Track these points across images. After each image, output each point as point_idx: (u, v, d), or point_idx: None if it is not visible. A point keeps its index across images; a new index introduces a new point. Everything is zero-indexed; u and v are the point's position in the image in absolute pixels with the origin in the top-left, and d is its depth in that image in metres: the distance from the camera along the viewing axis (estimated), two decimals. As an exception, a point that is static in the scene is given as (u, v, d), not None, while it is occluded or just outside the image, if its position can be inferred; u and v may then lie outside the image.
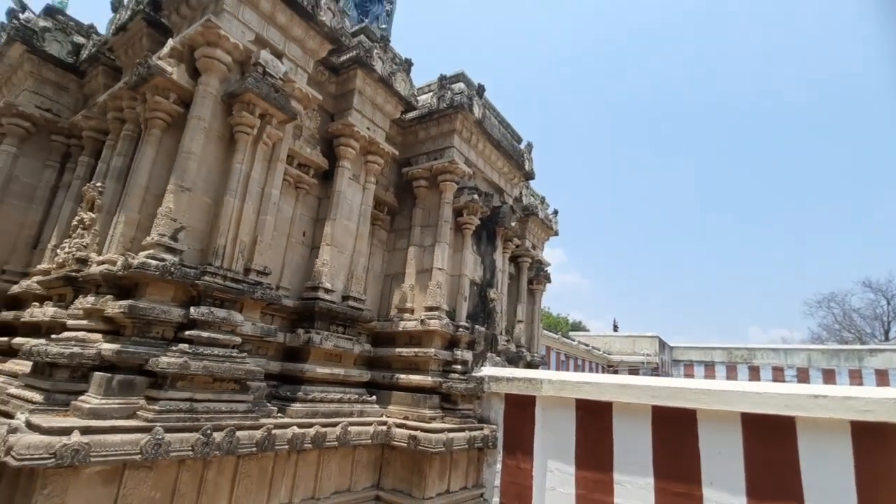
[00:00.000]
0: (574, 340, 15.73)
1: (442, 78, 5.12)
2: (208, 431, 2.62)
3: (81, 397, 2.55)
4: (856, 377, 15.79)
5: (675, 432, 3.75)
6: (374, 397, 4.20)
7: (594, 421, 4.10)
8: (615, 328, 26.48)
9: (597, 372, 16.11)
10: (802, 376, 16.77)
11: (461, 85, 5.05)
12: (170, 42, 3.44)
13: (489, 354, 4.96)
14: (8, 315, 4.12)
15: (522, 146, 6.24)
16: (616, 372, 17.12)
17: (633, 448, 3.87)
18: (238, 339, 3.11)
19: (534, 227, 7.78)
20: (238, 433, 2.76)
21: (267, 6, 3.62)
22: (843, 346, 18.74)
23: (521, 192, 7.14)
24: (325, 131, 4.45)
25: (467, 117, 4.98)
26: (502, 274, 5.67)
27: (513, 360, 6.89)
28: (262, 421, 3.00)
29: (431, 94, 5.13)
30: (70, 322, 3.00)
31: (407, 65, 4.90)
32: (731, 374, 17.75)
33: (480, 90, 5.21)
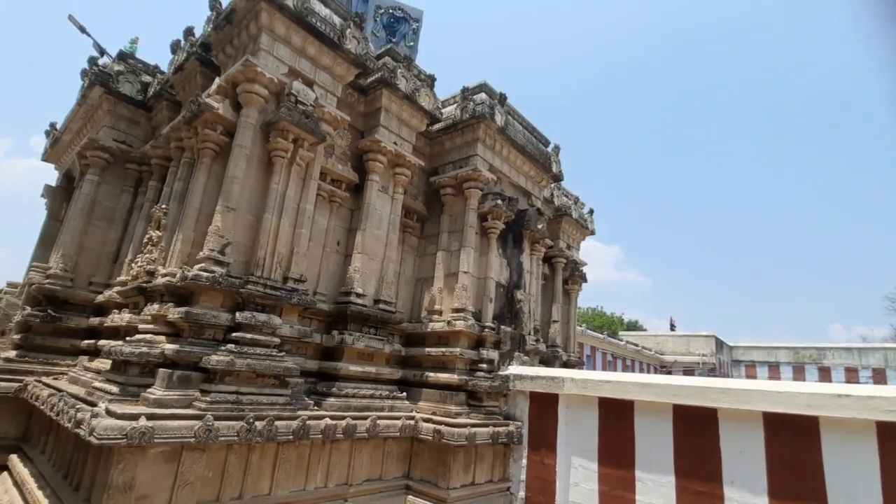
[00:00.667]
0: (622, 340, 15.37)
1: (464, 90, 5.36)
2: (251, 420, 3.03)
3: (149, 389, 3.03)
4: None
5: (696, 431, 3.77)
6: (404, 394, 4.51)
7: (616, 419, 4.18)
8: (672, 327, 25.45)
9: (648, 373, 15.63)
10: (879, 377, 15.38)
11: (483, 95, 5.27)
12: (217, 80, 3.93)
13: (516, 354, 5.14)
14: (94, 321, 4.82)
15: (550, 148, 6.35)
16: (669, 373, 16.51)
17: (654, 446, 3.92)
18: (277, 340, 3.52)
19: (568, 228, 7.82)
20: (277, 423, 3.16)
21: (298, 41, 4.03)
22: None
23: (552, 194, 7.23)
24: (355, 148, 4.83)
25: (489, 126, 5.19)
26: (530, 275, 5.81)
27: (548, 360, 7.01)
28: (299, 413, 3.38)
29: (455, 105, 5.39)
30: (141, 326, 3.53)
31: (430, 80, 5.18)
32: (798, 375, 16.60)
33: (502, 99, 5.40)
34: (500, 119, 5.24)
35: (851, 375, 15.75)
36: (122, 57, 5.54)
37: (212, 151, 3.81)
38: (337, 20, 4.29)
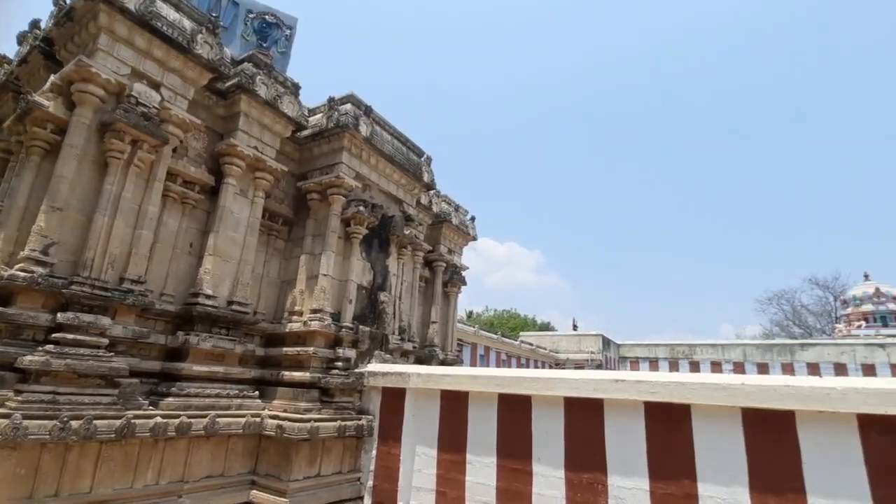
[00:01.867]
0: (517, 340, 16.35)
1: (331, 99, 5.59)
2: (65, 419, 3.03)
3: (-52, 394, 2.93)
4: (788, 370, 16.79)
5: (515, 415, 4.27)
6: (256, 392, 4.62)
7: (454, 408, 4.60)
8: (574, 327, 27.33)
9: (541, 370, 16.76)
10: (738, 370, 17.73)
11: (349, 106, 5.53)
12: (51, 78, 3.84)
13: (377, 352, 5.44)
14: None
15: (423, 159, 6.74)
16: (563, 369, 17.82)
17: (482, 431, 4.38)
18: (105, 341, 3.51)
19: (449, 233, 8.30)
20: (97, 422, 3.17)
21: (142, 43, 4.04)
22: (775, 341, 19.80)
23: (430, 201, 7.65)
24: (212, 150, 4.87)
25: (354, 135, 5.46)
26: (397, 278, 6.15)
27: (425, 359, 7.40)
28: (126, 412, 3.41)
29: (322, 114, 5.59)
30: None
31: (295, 88, 5.36)
32: (673, 368, 18.63)
33: (368, 110, 5.70)
34: (364, 129, 5.52)
35: (716, 368, 18.02)
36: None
37: (41, 150, 3.72)
38: (188, 24, 4.35)
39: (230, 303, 4.68)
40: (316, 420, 4.29)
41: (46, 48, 4.27)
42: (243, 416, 4.18)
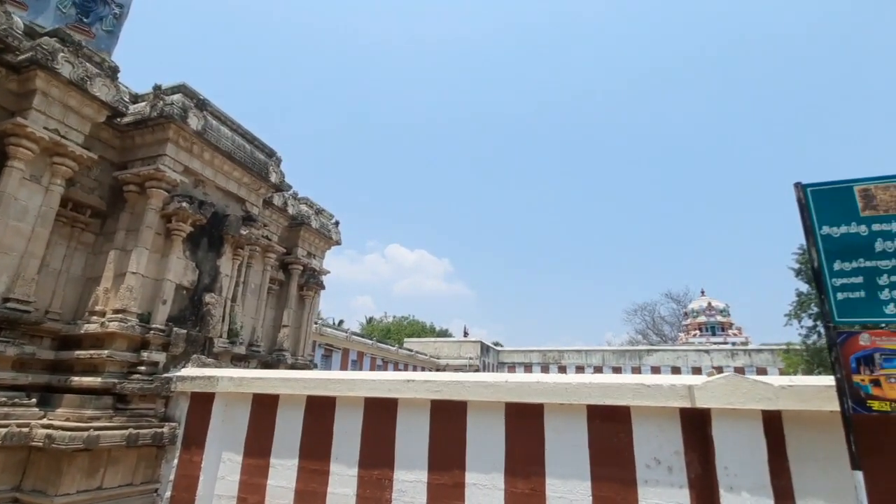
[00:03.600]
0: (395, 346, 16.55)
1: (157, 87, 5.28)
2: None
3: None
4: (636, 372, 18.94)
5: (320, 417, 4.32)
6: (33, 400, 4.17)
7: (264, 412, 4.54)
8: (465, 334, 28.30)
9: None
10: (597, 372, 19.62)
11: (178, 96, 5.26)
12: None
13: (196, 356, 5.18)
14: None
15: (273, 159, 6.61)
16: (443, 374, 18.39)
17: (289, 434, 4.37)
18: None
19: (308, 237, 8.19)
20: None
21: None
22: (627, 347, 22.29)
23: (285, 202, 7.50)
24: (-3, 130, 4.35)
25: (183, 127, 5.20)
26: (230, 279, 5.93)
27: (271, 364, 7.20)
28: None
29: (147, 103, 5.26)
30: None
31: (111, 70, 4.97)
32: (545, 372, 20.09)
33: (201, 103, 5.46)
34: (195, 122, 5.28)
35: (579, 371, 19.74)
36: None
37: None
38: (-39, -15, 3.86)
39: (7, 300, 4.18)
40: (98, 428, 3.97)
41: None
42: (6, 426, 3.75)
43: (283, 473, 4.27)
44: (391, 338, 27.74)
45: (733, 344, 22.77)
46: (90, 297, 4.97)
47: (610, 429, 3.45)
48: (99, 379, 4.34)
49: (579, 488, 3.39)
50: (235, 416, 4.58)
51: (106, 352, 4.42)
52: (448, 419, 3.89)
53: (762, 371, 17.76)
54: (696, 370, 17.98)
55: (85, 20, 5.37)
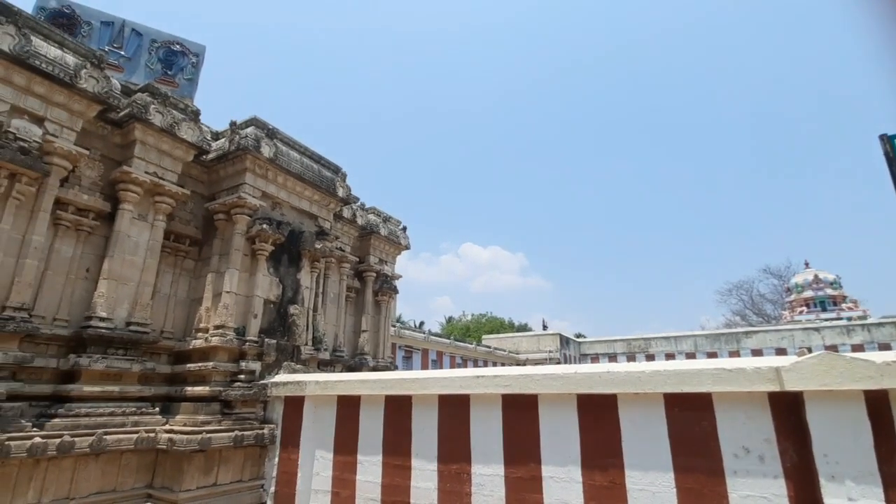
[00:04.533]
0: (473, 344, 16.67)
1: (233, 123, 5.84)
2: (-71, 446, 3.20)
3: None
4: (735, 357, 17.42)
5: (399, 415, 4.54)
6: (157, 409, 4.81)
7: (349, 412, 4.85)
8: (544, 327, 27.81)
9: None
10: (689, 360, 18.38)
11: (251, 129, 5.79)
12: (-75, 116, 4.01)
13: (286, 363, 5.65)
14: None
15: (339, 174, 7.02)
16: (524, 370, 18.25)
17: (371, 432, 4.63)
18: (-21, 368, 3.68)
19: (378, 244, 8.58)
20: (-35, 446, 3.34)
21: (21, 81, 4.24)
22: (722, 330, 20.55)
23: (354, 214, 7.92)
24: (109, 178, 5.07)
25: (257, 157, 5.71)
26: (310, 291, 6.39)
27: (355, 368, 7.64)
28: (3, 435, 3.58)
29: (226, 138, 5.83)
30: None
31: (194, 114, 5.59)
32: (631, 362, 19.24)
33: (271, 132, 5.96)
34: (267, 150, 5.78)
35: (670, 359, 18.58)
36: None
37: (-87, 187, 3.89)
38: (71, 60, 4.56)
39: (129, 324, 4.86)
40: (209, 431, 4.50)
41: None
42: (136, 432, 4.37)
43: (369, 469, 4.55)
44: (470, 336, 28.06)
45: (848, 319, 20.10)
46: (195, 316, 5.62)
47: (691, 417, 3.29)
48: (207, 388, 4.90)
49: (661, 480, 3.27)
50: (324, 417, 4.95)
51: (211, 363, 4.98)
52: (520, 413, 3.92)
53: (885, 347, 15.55)
54: (806, 351, 16.20)
55: (169, 73, 6.09)
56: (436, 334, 15.05)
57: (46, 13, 5.75)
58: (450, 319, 44.83)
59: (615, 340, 20.09)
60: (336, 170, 7.03)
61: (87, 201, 4.81)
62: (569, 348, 19.75)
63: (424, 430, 4.40)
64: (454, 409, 4.29)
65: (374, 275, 8.43)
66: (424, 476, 4.21)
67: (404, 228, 9.23)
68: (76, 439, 3.93)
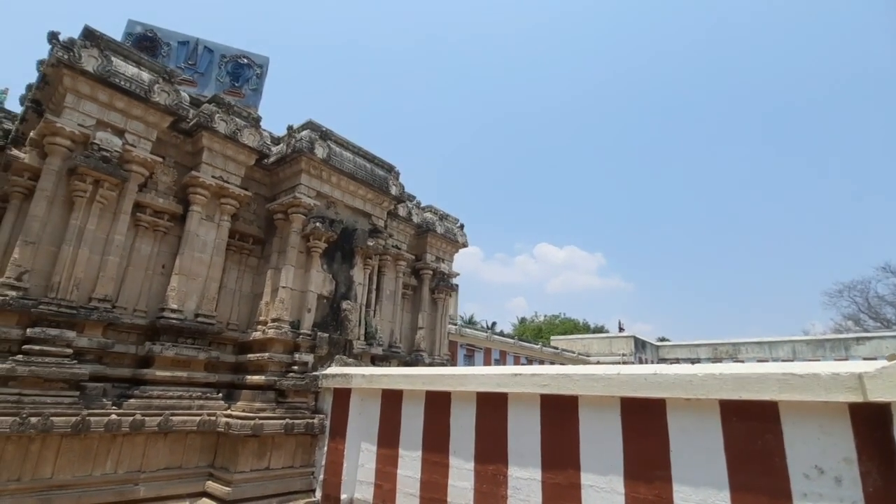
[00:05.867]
0: (538, 344, 16.14)
1: (289, 128, 6.14)
2: (25, 416, 3.68)
3: (-60, 395, 3.67)
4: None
5: (438, 411, 4.48)
6: (220, 394, 5.17)
7: (392, 407, 4.88)
8: (620, 329, 26.32)
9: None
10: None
11: (306, 132, 6.05)
12: (31, 134, 4.66)
13: (338, 356, 5.84)
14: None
15: (391, 173, 7.13)
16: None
17: (412, 427, 4.63)
18: (69, 351, 4.18)
19: (435, 242, 8.60)
20: (54, 418, 3.81)
21: (104, 97, 4.77)
22: (829, 336, 17.95)
23: (409, 212, 8.01)
24: (181, 183, 5.55)
25: (312, 158, 5.96)
26: (363, 287, 6.54)
27: (410, 364, 7.72)
28: (83, 411, 4.03)
29: (284, 143, 6.16)
30: (-49, 344, 4.17)
31: (255, 121, 5.96)
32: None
33: (325, 134, 6.19)
34: (321, 152, 6.01)
35: (766, 368, 16.68)
36: (-13, 108, 6.24)
37: (20, 194, 4.52)
38: (146, 76, 5.05)
39: (197, 315, 5.28)
40: (262, 418, 4.75)
41: (37, 107, 5.14)
42: (199, 415, 4.73)
43: (409, 464, 4.54)
44: (542, 337, 27.39)
45: None
46: (257, 310, 5.98)
47: (752, 429, 2.88)
48: (263, 377, 5.18)
49: (715, 498, 2.89)
50: (369, 410, 5.04)
51: (267, 354, 5.27)
52: (559, 415, 3.69)
53: None
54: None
55: (236, 84, 6.56)
56: (499, 333, 14.83)
57: (133, 38, 6.51)
58: (522, 320, 44.17)
59: (699, 345, 18.44)
60: (389, 168, 7.15)
61: (162, 204, 5.30)
62: (645, 352, 18.51)
63: (462, 428, 4.30)
64: (492, 408, 4.15)
65: (431, 272, 8.46)
66: (461, 475, 4.11)
67: (461, 226, 9.18)
68: (146, 418, 4.33)
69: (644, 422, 3.27)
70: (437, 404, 4.49)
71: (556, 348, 16.59)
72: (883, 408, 2.49)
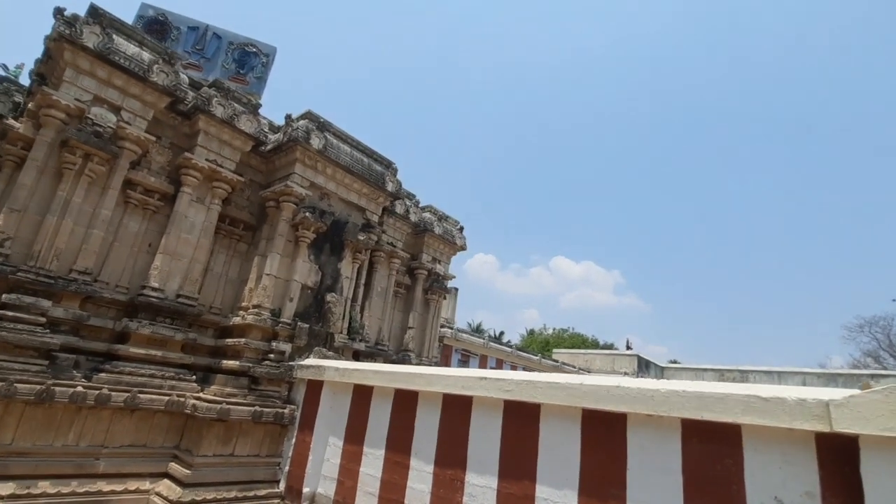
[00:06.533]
0: (537, 356, 15.85)
1: (287, 117, 6.16)
2: (-11, 380, 3.70)
3: (-90, 353, 3.72)
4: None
5: (404, 411, 4.37)
6: (193, 376, 5.15)
7: (361, 403, 4.79)
8: (628, 347, 25.78)
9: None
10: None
11: (304, 122, 6.05)
12: (29, 105, 4.74)
13: (318, 349, 5.78)
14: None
15: (389, 169, 7.09)
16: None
17: (378, 424, 4.53)
18: (42, 320, 4.20)
19: (433, 242, 8.52)
20: (18, 385, 3.83)
21: (103, 74, 4.83)
22: (842, 370, 17.20)
23: (407, 210, 7.94)
24: (174, 163, 5.59)
25: (307, 148, 5.95)
26: (350, 281, 6.49)
27: (397, 363, 7.62)
28: (49, 381, 4.05)
29: (281, 131, 6.17)
30: (-70, 304, 4.24)
31: (253, 107, 5.98)
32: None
33: (323, 125, 6.19)
34: (316, 142, 6.00)
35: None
36: (1, 80, 6.41)
37: (12, 163, 4.59)
38: (147, 56, 5.11)
39: (179, 296, 5.29)
40: (230, 403, 4.71)
41: (41, 81, 5.24)
42: (169, 395, 4.71)
43: (372, 462, 4.44)
44: (549, 350, 27.02)
45: None
46: (242, 295, 5.97)
47: (711, 452, 2.71)
48: (237, 363, 5.15)
49: (668, 523, 2.72)
50: (339, 404, 4.96)
51: (244, 340, 5.24)
52: (520, 423, 3.54)
53: None
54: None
55: (241, 71, 6.62)
56: (505, 343, 14.61)
57: (144, 20, 6.65)
58: (531, 332, 43.66)
59: (705, 369, 17.90)
60: (387, 164, 7.11)
61: (153, 183, 5.34)
62: (648, 372, 18.05)
63: (426, 430, 4.17)
64: (456, 411, 4.01)
65: (426, 273, 8.37)
66: (420, 477, 3.98)
67: (461, 228, 9.08)
68: (113, 393, 4.32)
69: (604, 436, 3.11)
70: (405, 403, 4.38)
71: (556, 361, 16.27)
72: (851, 441, 2.30)
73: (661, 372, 18.93)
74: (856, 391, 2.34)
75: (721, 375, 17.51)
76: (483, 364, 13.44)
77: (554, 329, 42.84)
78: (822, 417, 2.36)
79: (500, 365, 13.81)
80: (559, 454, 3.27)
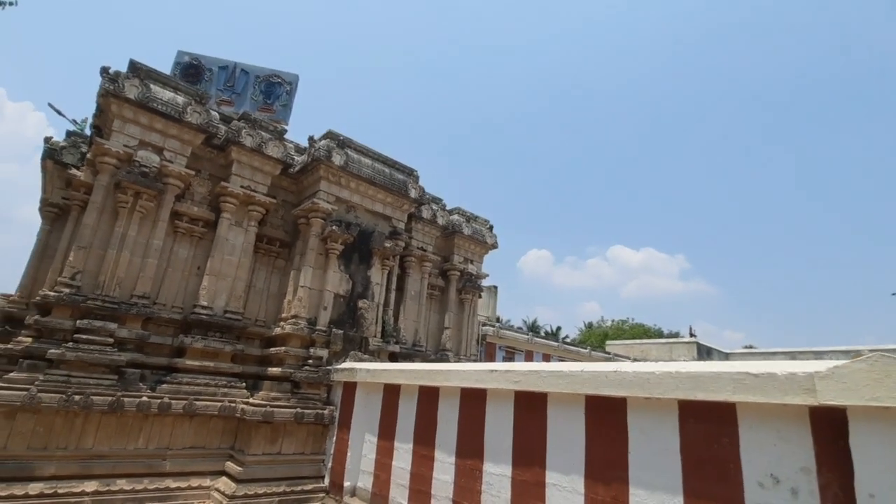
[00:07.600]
0: (587, 349, 15.46)
1: (310, 138, 6.59)
2: (70, 394, 4.33)
3: (10, 374, 4.44)
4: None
5: (428, 405, 4.59)
6: (243, 384, 5.66)
7: (391, 400, 5.07)
8: (691, 335, 24.49)
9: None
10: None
11: (325, 141, 6.47)
12: (87, 156, 5.45)
13: (353, 352, 6.15)
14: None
15: (410, 176, 7.37)
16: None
17: (406, 420, 4.78)
18: (110, 340, 4.83)
19: (463, 243, 8.70)
20: (93, 398, 4.44)
21: (145, 120, 5.46)
22: None
23: (434, 214, 8.18)
24: (214, 192, 6.17)
25: (330, 165, 6.36)
26: (381, 287, 6.81)
27: (436, 362, 7.88)
28: (118, 393, 4.65)
29: (306, 153, 6.61)
30: (23, 332, 5.00)
31: (279, 134, 6.47)
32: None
33: (343, 142, 6.57)
34: (338, 159, 6.39)
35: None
36: (69, 134, 7.34)
37: (79, 206, 5.31)
38: (181, 100, 5.71)
39: (226, 312, 5.83)
40: (274, 406, 5.15)
41: (98, 133, 5.99)
42: (221, 401, 5.23)
43: (402, 456, 4.69)
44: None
45: None
46: (282, 307, 6.46)
47: (708, 431, 2.70)
48: (280, 369, 5.61)
49: (669, 503, 2.74)
50: (371, 403, 5.26)
51: (284, 348, 5.69)
52: (530, 412, 3.65)
53: None
54: None
55: (268, 101, 7.16)
56: (564, 339, 14.47)
57: (181, 66, 7.39)
58: (589, 325, 42.56)
59: (774, 353, 16.69)
60: (409, 172, 7.39)
61: (196, 212, 5.94)
62: (710, 359, 17.11)
63: (447, 423, 4.38)
64: (473, 403, 4.19)
65: (458, 273, 8.57)
66: (444, 469, 4.19)
67: (490, 227, 9.20)
68: (173, 402, 4.88)
69: (606, 421, 3.16)
70: (428, 399, 4.60)
71: (608, 353, 15.82)
72: (842, 413, 2.25)
73: (725, 358, 17.87)
74: (840, 362, 2.30)
75: (792, 358, 16.26)
76: (528, 359, 13.41)
77: (613, 321, 41.53)
78: (812, 391, 2.33)
79: (546, 359, 13.70)
80: (566, 440, 3.35)
